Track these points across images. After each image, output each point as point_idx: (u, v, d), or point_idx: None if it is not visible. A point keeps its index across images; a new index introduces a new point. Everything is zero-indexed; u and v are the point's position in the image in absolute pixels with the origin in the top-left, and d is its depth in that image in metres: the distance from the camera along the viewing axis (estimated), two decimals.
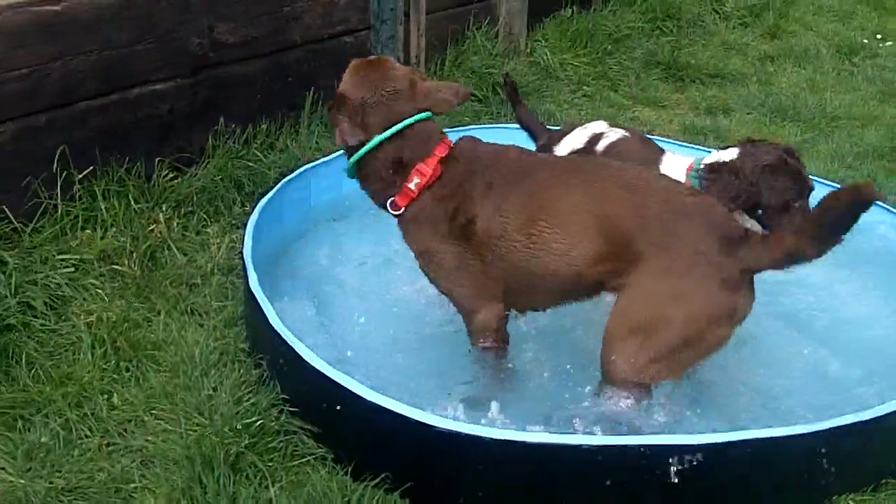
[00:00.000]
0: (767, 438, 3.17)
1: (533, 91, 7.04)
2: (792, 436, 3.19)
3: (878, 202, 3.33)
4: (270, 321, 3.55)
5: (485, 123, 6.21)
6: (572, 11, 7.97)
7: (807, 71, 8.08)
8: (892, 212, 4.88)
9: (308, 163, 5.01)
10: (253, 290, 3.74)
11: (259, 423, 3.45)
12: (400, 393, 3.35)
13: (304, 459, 3.42)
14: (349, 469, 3.35)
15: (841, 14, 9.66)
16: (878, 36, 8.98)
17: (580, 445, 3.14)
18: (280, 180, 4.74)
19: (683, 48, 8.21)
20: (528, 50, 7.49)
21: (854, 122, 6.93)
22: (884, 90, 7.63)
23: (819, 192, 4.95)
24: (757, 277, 3.45)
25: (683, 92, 7.64)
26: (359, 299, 4.25)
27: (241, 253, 4.05)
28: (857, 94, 7.52)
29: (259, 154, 5.37)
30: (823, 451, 3.28)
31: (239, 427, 3.41)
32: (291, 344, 3.42)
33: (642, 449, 3.10)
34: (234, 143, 5.35)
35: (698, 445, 3.11)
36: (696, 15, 8.90)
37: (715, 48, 8.49)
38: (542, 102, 6.95)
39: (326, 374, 3.29)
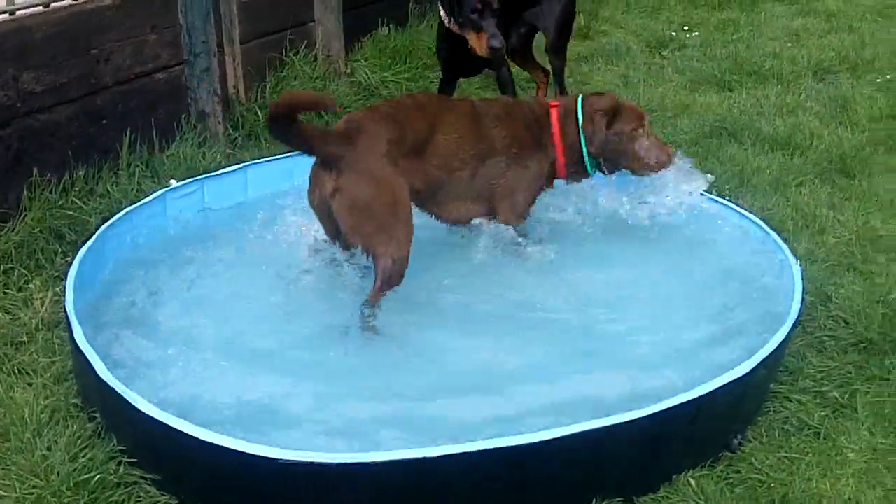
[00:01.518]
0: (594, 430, 3.25)
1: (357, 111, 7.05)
2: (622, 423, 3.27)
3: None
4: (99, 373, 3.47)
5: None
6: (389, 30, 8.04)
7: (620, 67, 8.31)
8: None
9: (130, 205, 4.93)
10: (78, 343, 3.65)
11: (98, 477, 3.37)
12: (233, 427, 3.33)
13: None
14: None
15: (649, 9, 9.98)
16: (685, 28, 9.29)
17: (420, 458, 3.14)
18: (100, 227, 4.64)
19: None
20: (349, 70, 7.52)
21: (667, 112, 7.17)
22: (693, 79, 7.91)
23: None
24: None
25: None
26: (188, 337, 4.19)
27: (65, 306, 3.95)
28: (668, 85, 7.78)
29: (78, 202, 5.24)
30: (656, 433, 3.38)
31: (77, 484, 3.33)
32: (121, 393, 3.35)
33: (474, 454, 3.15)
34: (51, 193, 5.21)
35: (524, 445, 3.18)
36: None
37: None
38: None
39: (158, 418, 3.23)
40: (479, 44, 5.86)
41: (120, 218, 4.73)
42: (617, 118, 4.74)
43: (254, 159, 5.67)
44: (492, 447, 3.14)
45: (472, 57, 6.08)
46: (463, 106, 4.68)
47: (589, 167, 4.81)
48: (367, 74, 7.46)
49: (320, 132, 4.23)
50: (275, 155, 5.68)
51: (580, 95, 4.87)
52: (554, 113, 4.76)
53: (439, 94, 6.60)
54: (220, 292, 4.51)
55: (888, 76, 7.68)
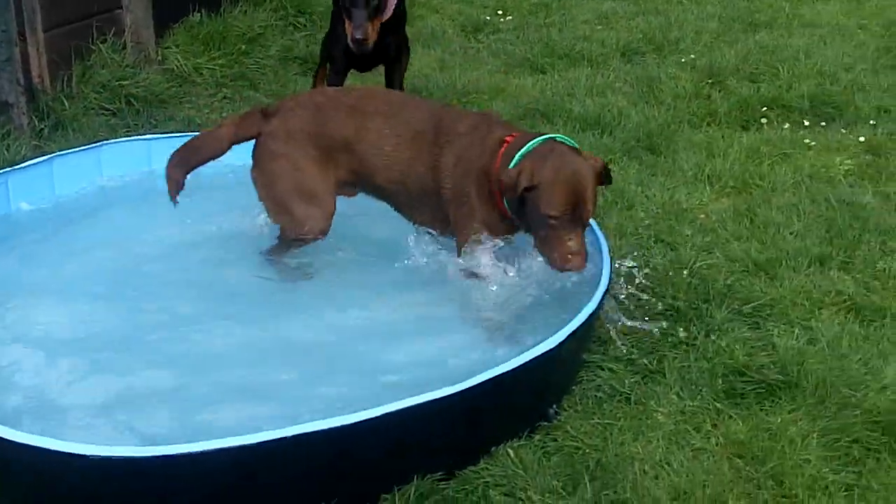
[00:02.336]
0: (410, 407, 3.28)
1: (170, 98, 6.95)
2: (437, 399, 3.32)
3: None
4: None
5: (121, 137, 6.05)
6: (201, 16, 7.90)
7: (436, 52, 8.39)
8: None
9: None
10: None
11: None
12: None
13: None
14: None
15: None
16: (499, 12, 9.43)
17: (232, 447, 3.12)
18: None
19: (318, 42, 8.31)
20: (160, 58, 7.37)
21: (483, 95, 7.29)
22: (507, 62, 8.05)
23: None
24: None
25: (323, 84, 7.73)
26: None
27: None
28: (483, 68, 7.90)
29: None
30: (471, 407, 3.46)
31: None
32: None
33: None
34: None
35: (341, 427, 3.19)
36: (328, 8, 9.02)
37: None
38: (181, 109, 6.88)
39: None
40: (348, 34, 5.85)
41: None
42: (539, 191, 3.95)
43: (62, 150, 5.51)
44: (309, 430, 3.14)
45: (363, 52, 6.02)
46: (421, 111, 4.44)
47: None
48: (179, 61, 7.33)
49: (240, 118, 4.62)
50: (80, 145, 5.53)
51: (537, 139, 4.13)
52: (503, 147, 4.17)
53: (315, 84, 6.70)
54: (32, 290, 4.42)
55: (692, 55, 7.99)
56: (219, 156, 4.56)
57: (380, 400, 3.27)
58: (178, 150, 4.51)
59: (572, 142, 4.19)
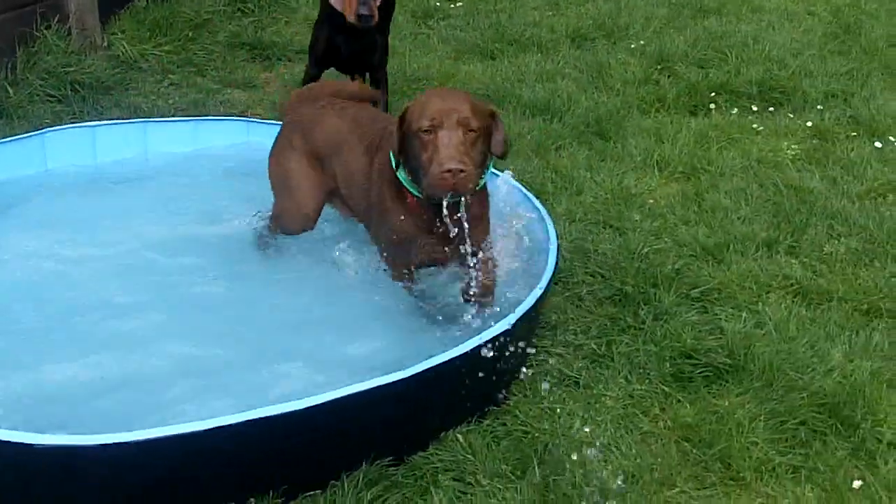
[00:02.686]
0: (356, 393, 3.26)
1: (116, 85, 6.86)
2: (383, 385, 3.31)
3: None
4: None
5: (67, 123, 5.97)
6: (147, 1, 7.81)
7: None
8: None
9: None
10: None
11: None
12: None
13: None
14: None
15: None
16: None
17: (181, 434, 3.09)
18: None
19: (267, 27, 8.27)
20: (106, 44, 7.28)
21: (433, 81, 7.25)
22: (458, 48, 8.02)
23: None
24: None
25: (272, 70, 7.69)
26: None
27: None
28: (434, 54, 7.86)
29: None
30: (419, 394, 3.45)
31: None
32: None
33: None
34: None
35: (300, 410, 3.17)
36: None
37: (298, 25, 8.58)
38: (127, 95, 6.79)
39: None
40: (350, 8, 5.64)
41: None
42: (408, 114, 3.91)
43: (3, 138, 5.42)
44: (256, 417, 3.11)
45: (351, 47, 5.91)
46: (374, 124, 4.37)
47: None
48: (125, 48, 7.24)
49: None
50: (25, 132, 5.45)
51: None
52: None
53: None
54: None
55: (641, 41, 8.02)
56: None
57: (331, 387, 3.26)
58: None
59: None
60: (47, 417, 3.43)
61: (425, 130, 3.75)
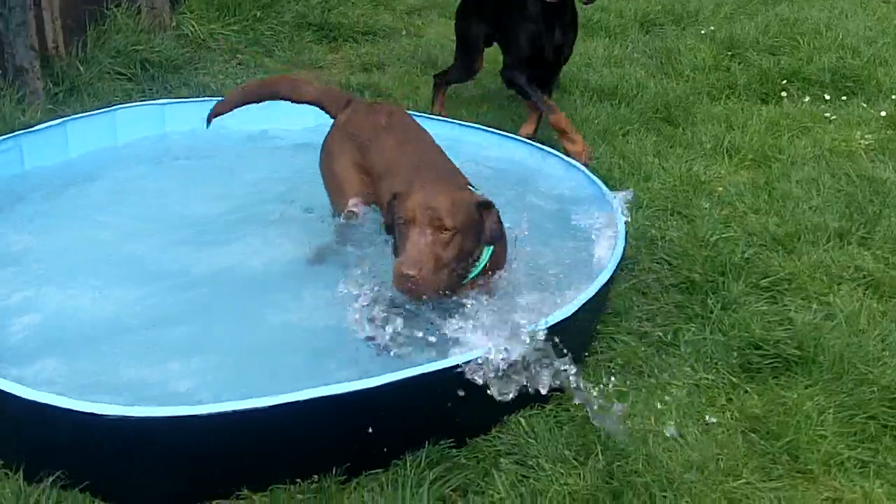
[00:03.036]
0: (423, 374, 3.27)
1: (184, 64, 6.92)
2: (450, 367, 3.31)
3: None
4: None
5: (137, 101, 6.04)
6: None
7: (451, 21, 8.29)
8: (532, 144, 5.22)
9: None
10: None
11: None
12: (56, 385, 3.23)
13: None
14: (21, 473, 3.19)
15: None
16: None
17: (249, 409, 3.10)
18: None
19: (334, 8, 8.28)
20: (174, 24, 7.33)
21: (498, 65, 7.19)
22: None
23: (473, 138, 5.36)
24: None
25: (338, 51, 7.72)
26: (6, 296, 4.07)
27: None
28: None
29: None
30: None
31: None
32: None
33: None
34: None
35: (367, 389, 3.17)
36: None
37: (364, 6, 8.61)
38: (196, 75, 6.84)
39: None
40: None
41: None
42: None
43: (75, 114, 5.48)
44: (322, 395, 3.12)
45: (555, 40, 5.48)
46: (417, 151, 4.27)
47: None
48: (193, 27, 7.31)
49: (328, 89, 4.78)
50: (97, 109, 5.50)
51: None
52: None
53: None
54: (38, 250, 4.41)
55: (711, 27, 7.91)
56: (285, 99, 4.67)
57: (394, 366, 3.27)
58: (252, 81, 4.70)
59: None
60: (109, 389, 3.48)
61: (402, 222, 3.65)
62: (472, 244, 3.72)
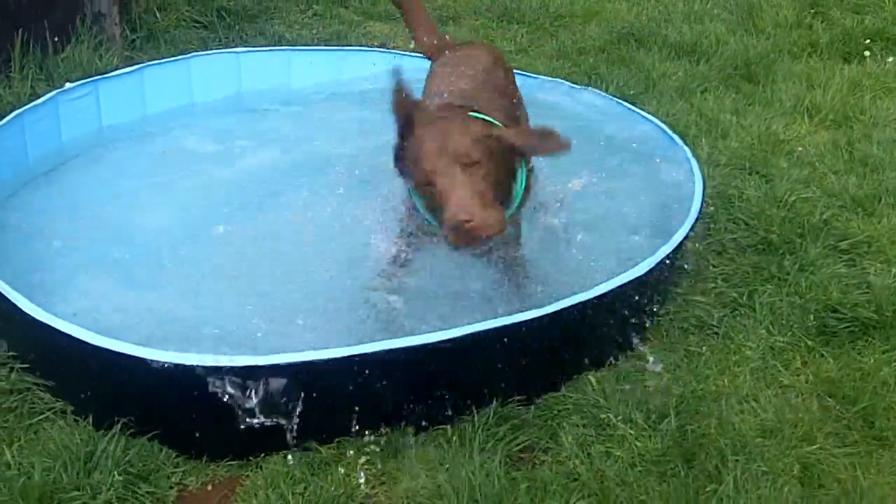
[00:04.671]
0: (493, 328, 3.25)
1: (260, 13, 6.93)
2: (519, 322, 3.28)
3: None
4: None
5: (212, 49, 6.06)
6: None
7: None
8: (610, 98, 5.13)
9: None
10: None
11: None
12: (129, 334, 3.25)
13: (42, 416, 3.29)
14: (91, 420, 3.24)
15: None
16: None
17: (319, 360, 3.10)
18: None
19: None
20: None
21: (576, 19, 7.13)
22: None
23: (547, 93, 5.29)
24: None
25: None
26: (82, 246, 4.11)
27: None
28: None
29: None
30: (554, 332, 3.41)
31: None
32: (9, 297, 3.26)
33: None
34: None
35: (436, 342, 3.17)
36: None
37: None
38: (271, 24, 6.84)
39: (46, 322, 3.15)
40: None
41: (10, 120, 4.57)
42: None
43: (151, 61, 5.51)
44: (393, 347, 3.12)
45: None
46: None
47: None
48: None
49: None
50: (173, 56, 5.52)
51: None
52: None
53: None
54: (114, 198, 4.46)
55: None
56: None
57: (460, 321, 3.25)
58: None
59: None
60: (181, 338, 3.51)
61: (426, 183, 3.32)
62: (503, 169, 3.42)
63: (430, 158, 3.28)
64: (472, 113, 3.52)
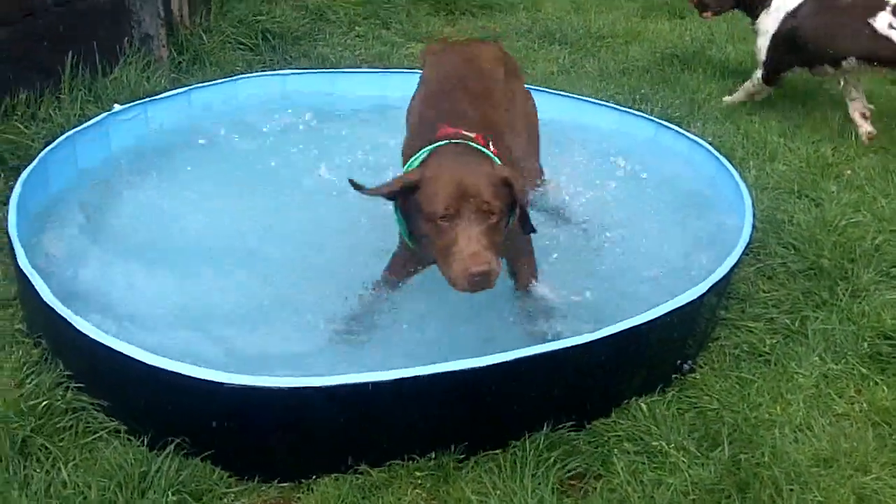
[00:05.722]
0: (545, 353, 3.24)
1: (304, 35, 6.96)
2: (571, 347, 3.26)
3: None
4: (43, 297, 3.39)
5: (257, 71, 6.10)
6: None
7: None
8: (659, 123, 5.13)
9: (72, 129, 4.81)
10: (22, 267, 3.56)
11: (45, 403, 3.32)
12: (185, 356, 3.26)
13: (96, 435, 3.30)
14: (145, 439, 3.25)
15: None
16: None
17: (373, 382, 3.10)
18: (42, 151, 4.52)
19: None
20: None
21: (618, 39, 7.13)
22: (645, 6, 7.87)
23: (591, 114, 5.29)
24: None
25: (454, 25, 7.69)
26: (136, 263, 4.12)
27: (8, 230, 3.85)
28: (619, 12, 7.73)
29: (20, 126, 5.12)
30: (606, 357, 3.39)
31: (23, 410, 3.27)
32: (66, 317, 3.28)
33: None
34: None
35: (488, 366, 3.15)
36: None
37: None
38: (315, 46, 6.88)
39: (102, 342, 3.17)
40: None
41: (62, 142, 4.61)
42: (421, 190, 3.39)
43: (198, 83, 5.56)
44: (445, 371, 3.11)
45: None
46: None
47: None
48: None
49: None
50: (219, 78, 5.57)
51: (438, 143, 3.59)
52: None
53: None
54: (165, 216, 4.46)
55: None
56: None
57: (515, 346, 3.23)
58: None
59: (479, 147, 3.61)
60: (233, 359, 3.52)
61: (442, 217, 3.29)
62: (507, 216, 3.43)
63: (453, 200, 3.27)
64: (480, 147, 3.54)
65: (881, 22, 5.28)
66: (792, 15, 5.62)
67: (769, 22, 5.73)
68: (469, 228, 3.25)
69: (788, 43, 5.66)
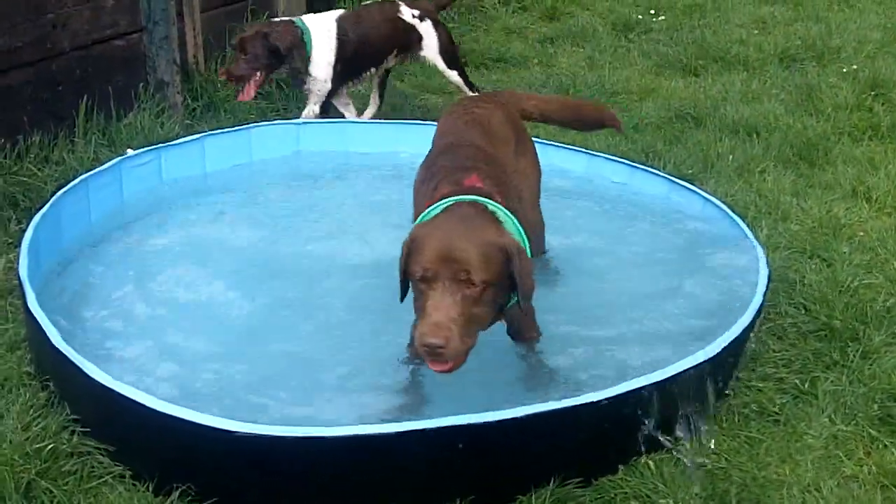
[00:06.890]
0: (553, 410, 3.24)
1: None
2: (580, 405, 3.26)
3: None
4: (52, 340, 3.40)
5: (271, 119, 6.14)
6: (352, 4, 7.94)
7: (585, 50, 8.28)
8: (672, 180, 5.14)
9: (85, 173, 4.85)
10: (32, 310, 3.58)
11: (50, 446, 3.31)
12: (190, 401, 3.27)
13: (101, 480, 3.29)
14: (150, 485, 3.24)
15: None
16: (652, 11, 9.24)
17: (380, 434, 3.11)
18: (55, 194, 4.55)
19: (466, 34, 8.32)
20: None
21: (632, 95, 7.15)
22: (659, 63, 7.89)
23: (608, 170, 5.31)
24: None
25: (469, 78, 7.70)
26: (148, 309, 4.12)
27: (18, 273, 3.86)
28: (633, 68, 7.75)
29: (33, 168, 5.16)
30: (614, 415, 3.38)
31: (29, 453, 3.26)
32: (74, 360, 3.29)
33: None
34: (5, 158, 5.12)
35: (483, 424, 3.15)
36: (477, 1, 9.04)
37: (496, 33, 8.64)
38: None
39: (109, 386, 3.18)
40: None
41: (75, 185, 4.64)
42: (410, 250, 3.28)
43: (212, 130, 5.59)
44: (452, 424, 3.10)
45: None
46: None
47: None
48: None
49: None
50: (233, 126, 5.60)
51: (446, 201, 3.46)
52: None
53: None
54: (175, 263, 4.47)
55: (854, 66, 7.68)
56: None
57: (523, 402, 3.23)
58: None
59: (499, 207, 3.46)
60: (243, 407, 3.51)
61: (419, 279, 3.17)
62: (503, 295, 3.28)
63: (431, 261, 3.14)
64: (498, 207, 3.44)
65: None
66: None
67: None
68: (441, 296, 3.10)
69: None
